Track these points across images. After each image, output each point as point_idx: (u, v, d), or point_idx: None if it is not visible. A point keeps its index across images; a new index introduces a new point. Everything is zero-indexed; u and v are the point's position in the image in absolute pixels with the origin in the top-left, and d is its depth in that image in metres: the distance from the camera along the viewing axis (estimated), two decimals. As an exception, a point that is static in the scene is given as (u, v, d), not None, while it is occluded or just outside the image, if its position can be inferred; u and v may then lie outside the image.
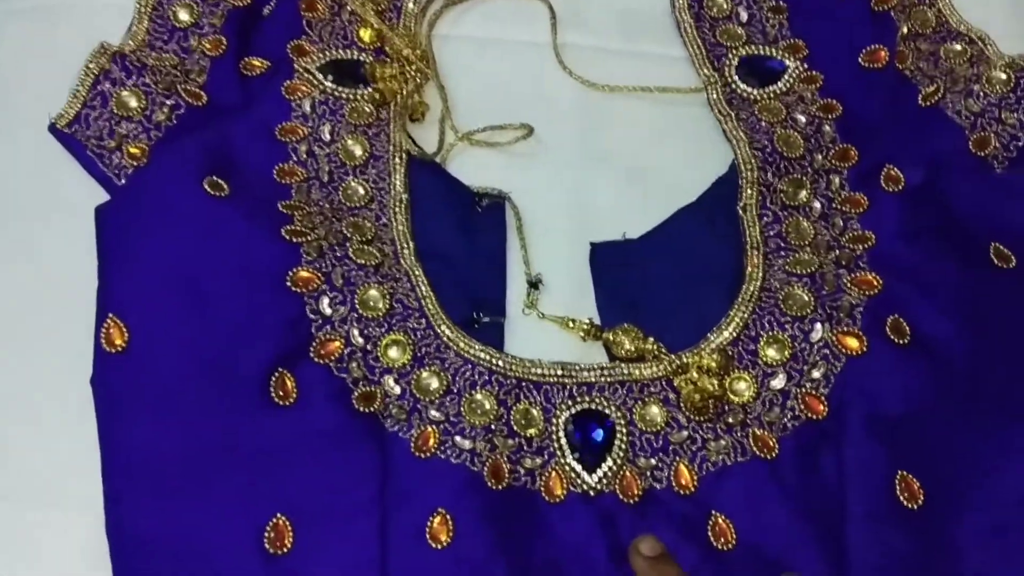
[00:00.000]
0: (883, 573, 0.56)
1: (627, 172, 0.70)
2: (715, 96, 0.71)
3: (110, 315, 0.58)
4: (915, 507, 0.57)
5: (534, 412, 0.59)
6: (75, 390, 0.58)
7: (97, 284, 0.60)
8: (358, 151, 0.67)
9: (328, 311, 0.60)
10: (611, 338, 0.62)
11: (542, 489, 0.58)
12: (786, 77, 0.71)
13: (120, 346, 0.58)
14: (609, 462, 0.58)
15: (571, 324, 0.63)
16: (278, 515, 0.56)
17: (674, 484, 0.58)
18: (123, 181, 0.65)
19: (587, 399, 0.60)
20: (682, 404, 0.59)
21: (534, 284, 0.65)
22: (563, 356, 0.62)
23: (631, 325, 0.62)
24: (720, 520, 0.57)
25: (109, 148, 0.65)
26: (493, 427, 0.58)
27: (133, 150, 0.65)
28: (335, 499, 0.56)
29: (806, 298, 0.62)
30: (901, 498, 0.57)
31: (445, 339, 0.61)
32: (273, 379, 0.58)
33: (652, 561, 0.52)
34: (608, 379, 0.60)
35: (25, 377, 0.61)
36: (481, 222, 0.67)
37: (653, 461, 0.58)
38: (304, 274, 0.61)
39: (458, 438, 0.58)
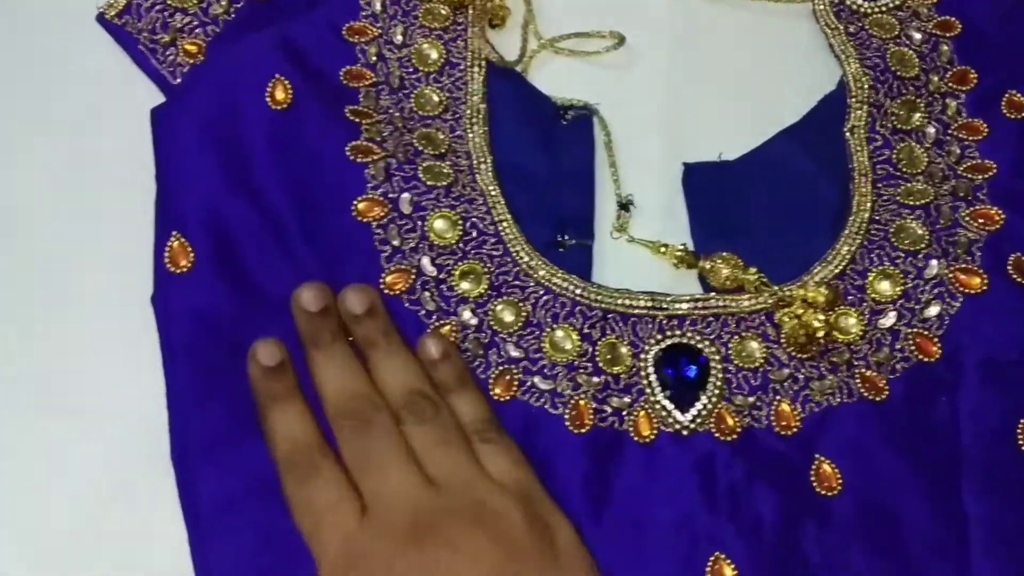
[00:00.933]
0: (999, 526, 0.52)
1: (725, 88, 0.64)
2: (822, 7, 0.65)
3: (174, 233, 0.55)
4: None
5: (622, 348, 0.55)
6: (131, 303, 0.55)
7: (156, 194, 0.56)
8: (433, 55, 0.61)
9: (397, 241, 0.56)
10: (707, 266, 0.57)
11: (630, 429, 0.54)
12: (900, -11, 0.66)
13: (185, 267, 0.54)
14: (704, 399, 0.54)
15: (663, 249, 0.59)
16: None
17: (775, 424, 0.54)
18: (178, 80, 0.60)
19: (678, 333, 0.55)
20: (783, 340, 0.55)
21: (624, 206, 0.60)
22: (653, 285, 0.57)
23: (730, 253, 0.57)
24: (825, 464, 0.53)
25: (163, 43, 0.61)
26: (576, 364, 0.54)
27: (189, 46, 0.60)
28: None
29: (920, 231, 0.57)
30: (1022, 447, 0.53)
31: (524, 266, 0.56)
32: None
33: (266, 372, 0.51)
34: (702, 311, 0.56)
35: (81, 292, 0.57)
36: (566, 137, 0.62)
37: (751, 399, 0.54)
38: (370, 202, 0.56)
39: (538, 379, 0.54)
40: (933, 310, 0.56)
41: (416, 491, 0.48)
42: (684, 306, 0.56)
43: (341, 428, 0.50)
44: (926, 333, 0.55)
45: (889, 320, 0.56)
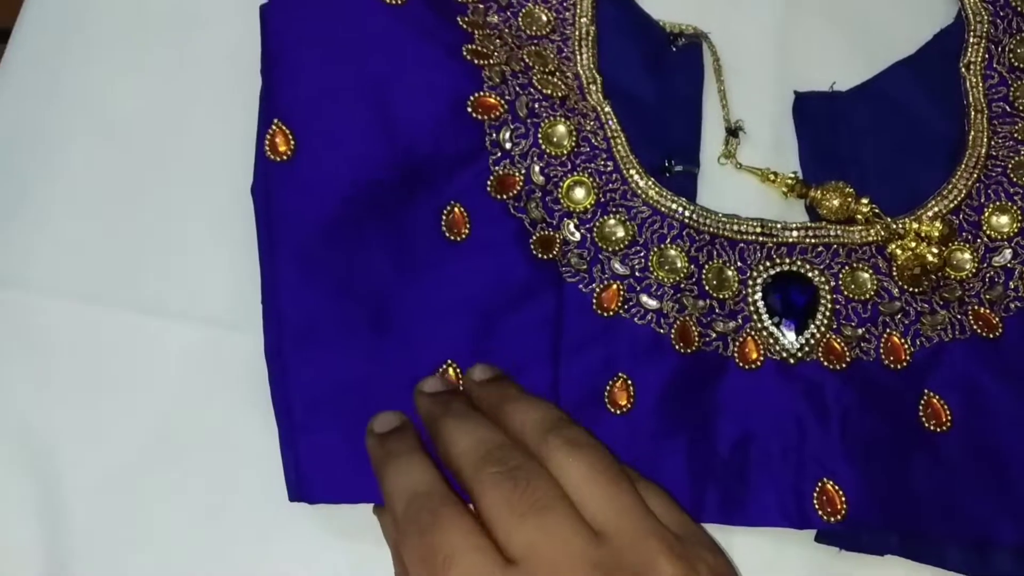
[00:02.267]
0: None
1: (840, 19, 0.63)
2: None
3: (275, 121, 0.53)
4: None
5: (728, 272, 0.54)
6: (230, 199, 0.55)
7: (261, 88, 0.55)
8: None
9: (508, 144, 0.55)
10: (818, 195, 0.56)
11: (736, 355, 0.53)
12: (1022, -76, 0.64)
13: (286, 154, 0.53)
14: (812, 328, 0.53)
15: (772, 177, 0.57)
16: (449, 361, 0.51)
17: (884, 357, 0.53)
18: None
19: (787, 261, 0.54)
20: (895, 273, 0.54)
21: (733, 132, 0.59)
22: (761, 214, 0.56)
23: (843, 182, 0.56)
24: (935, 400, 0.52)
25: None
26: (683, 286, 0.53)
27: None
28: (507, 346, 0.52)
29: None
30: None
31: (634, 185, 0.55)
32: (445, 211, 0.53)
33: (385, 437, 0.47)
34: (812, 240, 0.55)
35: (181, 184, 0.57)
36: (675, 63, 0.60)
37: (860, 331, 0.53)
38: (488, 100, 0.55)
39: (644, 296, 0.53)
40: None
41: (582, 543, 0.41)
42: (794, 234, 0.55)
43: (482, 479, 0.43)
44: None
45: (1004, 258, 0.55)
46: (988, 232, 0.55)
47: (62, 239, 0.56)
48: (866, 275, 0.54)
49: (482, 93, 0.55)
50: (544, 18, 0.59)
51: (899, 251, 0.54)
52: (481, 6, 0.59)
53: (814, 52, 0.62)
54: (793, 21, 0.62)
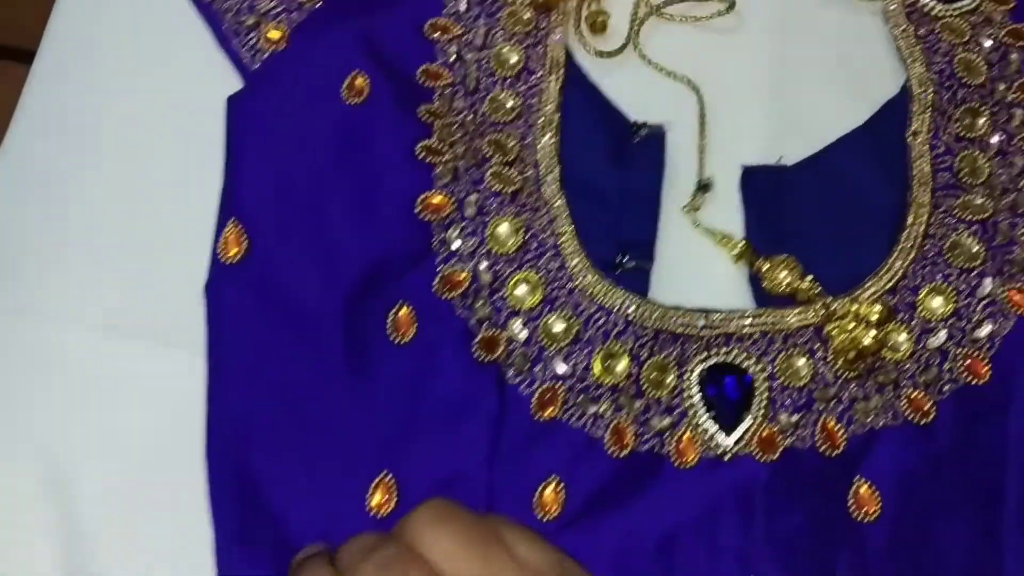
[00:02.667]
0: None
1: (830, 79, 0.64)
2: (893, 7, 0.64)
3: (232, 220, 0.55)
4: None
5: (668, 369, 0.55)
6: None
7: (223, 183, 0.57)
8: (513, 59, 0.61)
9: (457, 243, 0.56)
10: (765, 267, 0.57)
11: (672, 453, 0.54)
12: (975, -6, 0.64)
13: (237, 256, 0.55)
14: (748, 421, 0.54)
15: (726, 241, 0.59)
16: (385, 472, 0.53)
17: (819, 443, 0.54)
18: (256, 66, 0.60)
19: (724, 350, 0.56)
20: (832, 355, 0.55)
21: (704, 186, 0.60)
22: (710, 292, 0.58)
23: (790, 257, 0.57)
24: (864, 488, 0.53)
25: (247, 25, 0.61)
26: (621, 386, 0.55)
27: (272, 34, 0.60)
28: (446, 452, 0.53)
29: (975, 248, 0.57)
30: None
31: (580, 282, 0.56)
32: (392, 312, 0.55)
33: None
34: (752, 329, 0.56)
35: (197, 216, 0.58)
36: (636, 155, 0.61)
37: (795, 418, 0.54)
38: (436, 200, 0.57)
39: (582, 398, 0.54)
40: (985, 330, 0.55)
41: None
42: (734, 323, 0.56)
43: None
44: (976, 354, 0.55)
45: (939, 339, 0.56)
46: (923, 314, 0.56)
47: (77, 271, 0.58)
48: (802, 361, 0.55)
49: (431, 193, 0.56)
50: (510, 104, 0.60)
51: (836, 331, 0.55)
52: (448, 91, 0.60)
53: (804, 115, 0.62)
54: (783, 83, 0.63)
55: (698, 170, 0.60)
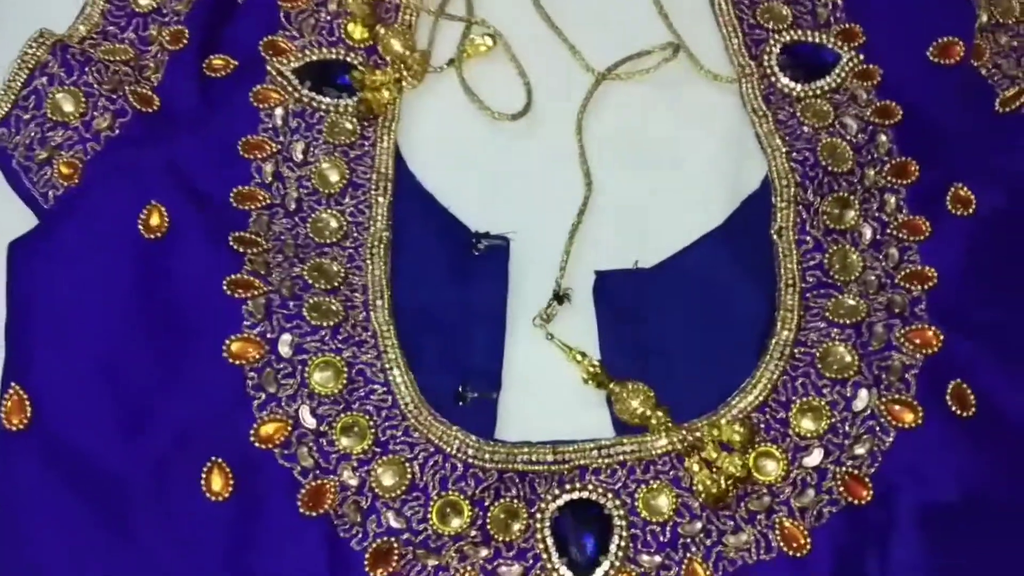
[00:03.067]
0: None
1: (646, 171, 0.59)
2: (749, 89, 0.59)
3: (13, 385, 0.50)
4: None
5: (515, 512, 0.49)
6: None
7: (4, 341, 0.51)
8: (334, 176, 0.56)
9: (272, 387, 0.50)
10: (617, 392, 0.52)
11: None
12: (837, 71, 0.59)
13: (20, 423, 0.49)
14: (606, 565, 0.48)
15: (579, 358, 0.53)
16: None
17: None
18: (51, 203, 0.55)
19: (578, 486, 0.50)
20: (696, 494, 0.49)
21: (559, 298, 0.55)
22: (563, 409, 0.53)
23: (642, 385, 0.52)
24: None
25: (39, 160, 0.55)
26: (464, 535, 0.49)
27: (64, 167, 0.55)
28: None
29: (848, 358, 0.52)
30: None
31: (413, 421, 0.50)
32: (204, 470, 0.49)
33: None
34: (607, 461, 0.50)
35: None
36: (478, 270, 0.55)
37: (659, 559, 0.49)
38: (244, 343, 0.51)
39: (420, 552, 0.48)
40: (863, 447, 0.50)
41: None
42: (589, 455, 0.50)
43: None
44: (855, 473, 0.50)
45: (815, 458, 0.50)
46: (796, 431, 0.51)
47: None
48: (664, 493, 0.50)
49: (238, 336, 0.51)
50: (335, 224, 0.55)
51: (697, 468, 0.49)
52: (265, 214, 0.54)
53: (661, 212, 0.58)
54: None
55: (558, 276, 0.55)
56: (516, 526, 0.49)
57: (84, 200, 0.54)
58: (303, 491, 0.49)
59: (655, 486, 0.50)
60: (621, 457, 0.50)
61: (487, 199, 0.57)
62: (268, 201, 0.55)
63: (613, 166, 0.59)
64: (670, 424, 0.51)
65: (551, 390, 0.54)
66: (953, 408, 0.51)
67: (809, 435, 0.51)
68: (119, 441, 0.49)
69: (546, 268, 0.55)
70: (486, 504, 0.49)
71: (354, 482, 0.49)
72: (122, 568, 0.48)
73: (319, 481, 0.49)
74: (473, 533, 0.49)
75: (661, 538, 0.49)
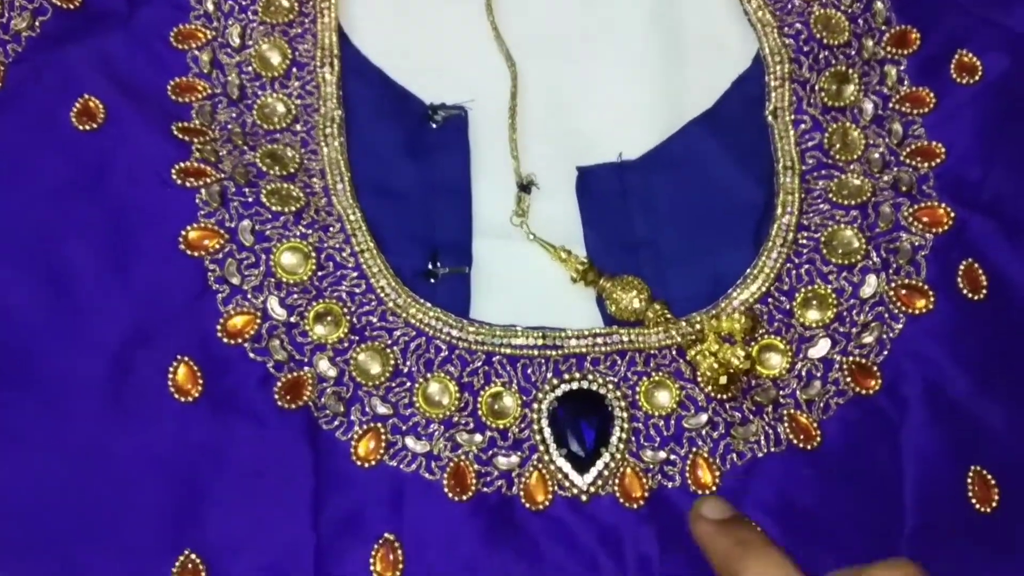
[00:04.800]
0: None
1: (623, 65, 0.55)
2: None
3: None
4: (988, 510, 0.45)
5: (508, 398, 0.47)
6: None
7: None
8: (276, 58, 0.52)
9: (236, 278, 0.47)
10: (608, 288, 0.49)
11: (521, 494, 0.46)
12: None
13: None
14: (606, 457, 0.46)
15: (565, 256, 0.50)
16: (187, 551, 0.44)
17: (691, 482, 0.46)
18: None
19: (577, 376, 0.47)
20: (700, 383, 0.47)
21: (525, 187, 0.52)
22: (544, 312, 0.49)
23: (636, 278, 0.49)
24: None
25: None
26: (455, 420, 0.46)
27: None
28: (257, 526, 0.45)
29: (856, 242, 0.48)
30: (972, 500, 0.45)
31: (391, 305, 0.48)
32: (170, 370, 0.46)
33: (720, 526, 0.40)
34: (604, 349, 0.47)
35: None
36: (437, 143, 0.52)
37: (662, 454, 0.46)
38: (202, 231, 0.47)
39: (410, 439, 0.46)
40: (871, 335, 0.47)
41: None
42: (583, 342, 0.47)
43: None
44: (863, 362, 0.47)
45: (820, 349, 0.47)
46: (801, 322, 0.48)
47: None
48: (667, 386, 0.47)
49: (195, 226, 0.47)
50: (283, 108, 0.51)
51: (701, 358, 0.46)
52: (208, 104, 0.51)
53: (603, 105, 0.54)
54: (596, 68, 0.55)
55: (515, 166, 0.52)
56: (510, 413, 0.46)
57: (9, 103, 0.49)
58: (279, 384, 0.46)
59: (657, 378, 0.47)
60: (620, 346, 0.47)
61: (434, 72, 0.54)
62: (209, 91, 0.51)
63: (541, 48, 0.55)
64: (668, 316, 0.47)
65: (532, 279, 0.51)
66: (965, 291, 0.48)
67: (814, 325, 0.48)
68: (68, 344, 0.46)
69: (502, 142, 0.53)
70: (475, 388, 0.47)
71: (332, 373, 0.46)
72: (77, 477, 0.45)
73: (295, 373, 0.46)
74: (464, 420, 0.46)
75: (665, 431, 0.46)
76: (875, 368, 0.47)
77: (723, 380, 0.46)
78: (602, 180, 0.52)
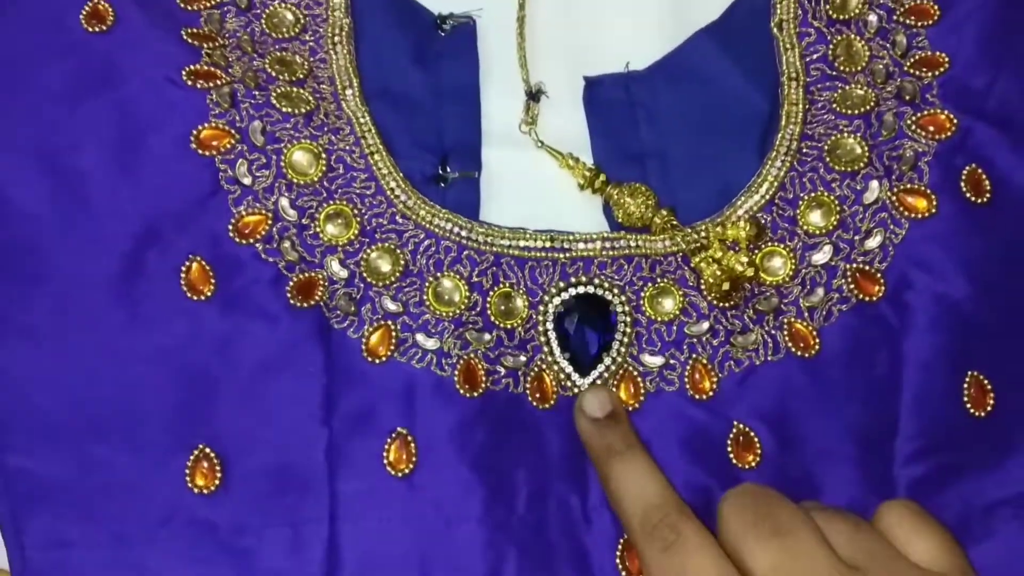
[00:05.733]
0: (932, 493, 0.46)
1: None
2: None
3: None
4: (983, 414, 0.46)
5: (516, 298, 0.47)
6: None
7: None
8: None
9: (247, 179, 0.48)
10: (615, 195, 0.49)
11: (528, 392, 0.47)
12: None
13: None
14: (607, 361, 0.47)
15: (572, 163, 0.50)
16: (201, 446, 0.45)
17: (689, 387, 0.47)
18: None
19: (584, 279, 0.48)
20: (704, 290, 0.47)
21: (534, 95, 0.52)
22: (555, 218, 0.50)
23: (642, 185, 0.49)
24: (743, 432, 0.46)
25: None
26: (465, 318, 0.47)
27: None
28: (270, 421, 0.45)
29: (858, 149, 0.49)
30: (968, 404, 0.46)
31: (400, 206, 0.48)
32: (183, 270, 0.46)
33: (595, 426, 0.44)
34: (611, 253, 0.48)
35: None
36: (446, 51, 0.52)
37: (660, 359, 0.47)
38: (212, 131, 0.48)
39: (420, 336, 0.47)
40: (874, 240, 0.48)
41: (830, 565, 0.39)
42: (590, 246, 0.48)
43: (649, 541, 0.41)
44: (866, 268, 0.48)
45: (823, 255, 0.48)
46: (804, 228, 0.48)
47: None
48: (671, 292, 0.47)
49: (206, 125, 0.48)
50: (291, 17, 0.52)
51: (704, 265, 0.47)
52: (216, 12, 0.51)
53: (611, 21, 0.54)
54: None
55: (523, 75, 0.52)
56: (517, 314, 0.47)
57: (18, 4, 0.49)
58: (291, 283, 0.46)
59: (661, 284, 0.48)
60: (627, 251, 0.48)
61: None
62: (217, 0, 0.51)
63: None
64: (674, 223, 0.48)
65: (540, 185, 0.52)
66: (968, 195, 0.48)
67: (818, 232, 0.48)
68: (79, 242, 0.46)
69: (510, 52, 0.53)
70: (484, 288, 0.47)
71: (344, 274, 0.47)
72: (88, 373, 0.45)
73: (306, 274, 0.47)
74: (473, 319, 0.47)
75: (667, 337, 0.47)
76: (878, 275, 0.47)
77: (726, 286, 0.46)
78: (609, 90, 0.52)
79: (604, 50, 0.53)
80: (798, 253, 0.48)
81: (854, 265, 0.48)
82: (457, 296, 0.47)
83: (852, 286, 0.47)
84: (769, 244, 0.48)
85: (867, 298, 0.47)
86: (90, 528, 0.44)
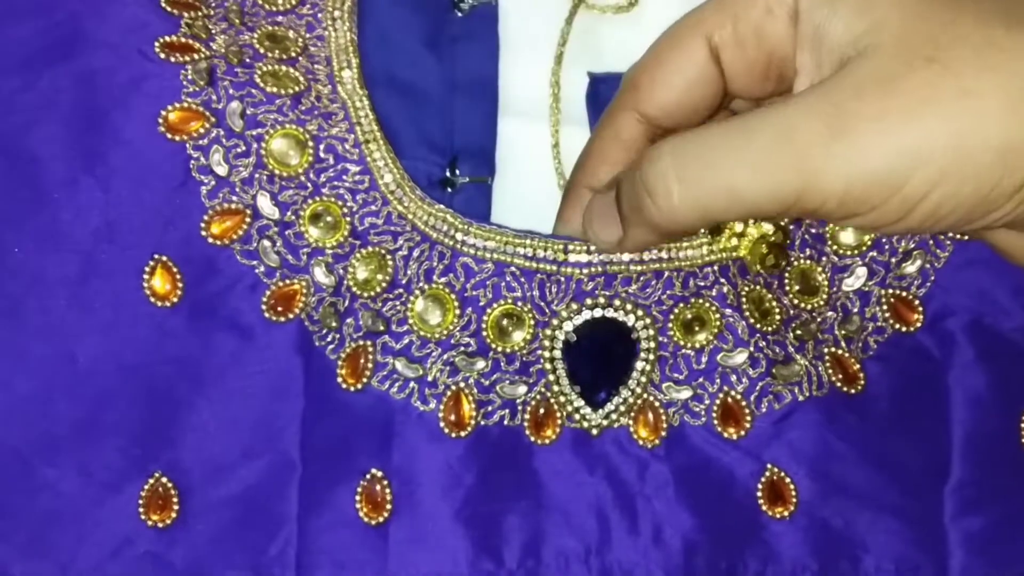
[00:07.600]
0: (987, 550, 0.42)
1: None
2: None
3: None
4: None
5: (519, 318, 0.41)
6: None
7: None
8: None
9: (222, 168, 0.41)
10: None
11: (526, 426, 0.41)
12: None
13: None
14: (624, 393, 0.41)
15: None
16: (157, 474, 0.40)
17: (717, 424, 0.41)
18: None
19: (601, 300, 0.41)
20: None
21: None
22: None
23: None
24: (778, 477, 0.41)
25: None
26: (454, 340, 0.41)
27: None
28: (239, 451, 0.40)
29: None
30: None
31: (395, 203, 0.42)
32: (146, 271, 0.39)
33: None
34: (637, 269, 0.42)
35: None
36: (462, 34, 0.47)
37: (687, 393, 0.41)
38: (185, 112, 0.40)
39: (400, 362, 0.40)
40: (913, 265, 0.44)
41: None
42: (616, 262, 0.42)
43: None
44: (904, 294, 0.43)
45: (856, 280, 0.43)
46: (834, 247, 0.44)
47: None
48: (706, 315, 0.42)
49: (177, 105, 0.40)
50: None
51: (736, 240, 0.41)
52: None
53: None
54: None
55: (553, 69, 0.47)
56: (519, 335, 0.41)
57: None
58: (268, 292, 0.40)
59: (696, 305, 0.42)
60: (656, 266, 0.42)
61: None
62: None
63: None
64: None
65: (552, 190, 0.46)
66: None
67: (849, 252, 0.44)
68: (27, 237, 0.40)
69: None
70: (482, 304, 0.41)
71: (330, 281, 0.40)
72: (39, 385, 0.39)
73: (287, 281, 0.40)
74: (466, 340, 0.41)
75: (695, 365, 0.42)
76: (916, 301, 0.43)
77: (764, 249, 0.40)
78: (613, 88, 0.47)
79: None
80: (828, 276, 0.43)
81: (890, 291, 0.43)
82: (447, 315, 0.41)
83: (888, 314, 0.43)
84: (800, 262, 0.43)
85: (904, 328, 0.43)
86: (34, 561, 0.39)
